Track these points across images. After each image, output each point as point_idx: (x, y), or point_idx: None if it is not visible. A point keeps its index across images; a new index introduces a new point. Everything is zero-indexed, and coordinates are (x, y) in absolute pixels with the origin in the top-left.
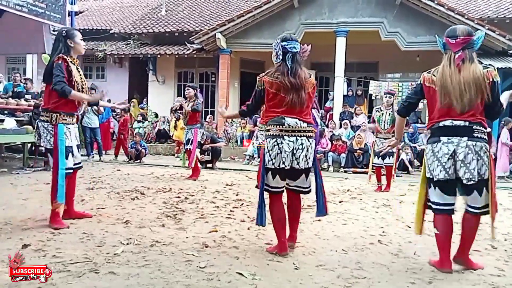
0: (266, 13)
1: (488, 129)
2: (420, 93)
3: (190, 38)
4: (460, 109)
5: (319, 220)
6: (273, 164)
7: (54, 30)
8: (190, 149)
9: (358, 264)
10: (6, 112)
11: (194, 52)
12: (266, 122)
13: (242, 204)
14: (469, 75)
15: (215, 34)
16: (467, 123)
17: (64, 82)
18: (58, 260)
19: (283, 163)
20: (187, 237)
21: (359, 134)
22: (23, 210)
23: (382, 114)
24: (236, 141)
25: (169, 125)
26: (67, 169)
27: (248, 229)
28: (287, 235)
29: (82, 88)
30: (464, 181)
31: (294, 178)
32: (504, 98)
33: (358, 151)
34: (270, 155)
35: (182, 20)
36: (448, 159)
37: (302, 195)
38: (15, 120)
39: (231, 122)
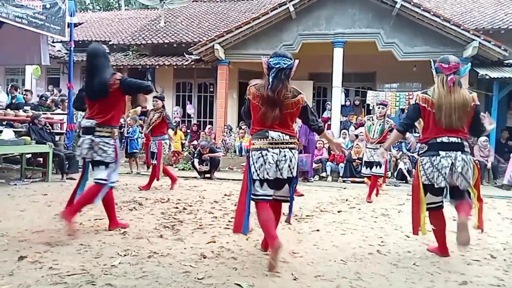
0: (264, 24)
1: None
2: (418, 112)
3: (188, 49)
4: (448, 123)
5: (318, 231)
6: (258, 175)
7: (53, 42)
8: (155, 164)
9: (357, 274)
10: (4, 123)
11: (193, 63)
12: (252, 135)
13: None
14: (460, 98)
15: (213, 45)
16: (459, 140)
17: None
18: (54, 272)
19: (268, 174)
20: (185, 248)
21: (357, 144)
22: (20, 221)
23: (373, 124)
24: (235, 151)
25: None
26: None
27: (247, 239)
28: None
29: None
30: (461, 188)
31: (278, 187)
32: (487, 122)
33: (357, 160)
34: (255, 167)
35: (181, 32)
36: (448, 170)
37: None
38: (13, 131)
39: (229, 132)
